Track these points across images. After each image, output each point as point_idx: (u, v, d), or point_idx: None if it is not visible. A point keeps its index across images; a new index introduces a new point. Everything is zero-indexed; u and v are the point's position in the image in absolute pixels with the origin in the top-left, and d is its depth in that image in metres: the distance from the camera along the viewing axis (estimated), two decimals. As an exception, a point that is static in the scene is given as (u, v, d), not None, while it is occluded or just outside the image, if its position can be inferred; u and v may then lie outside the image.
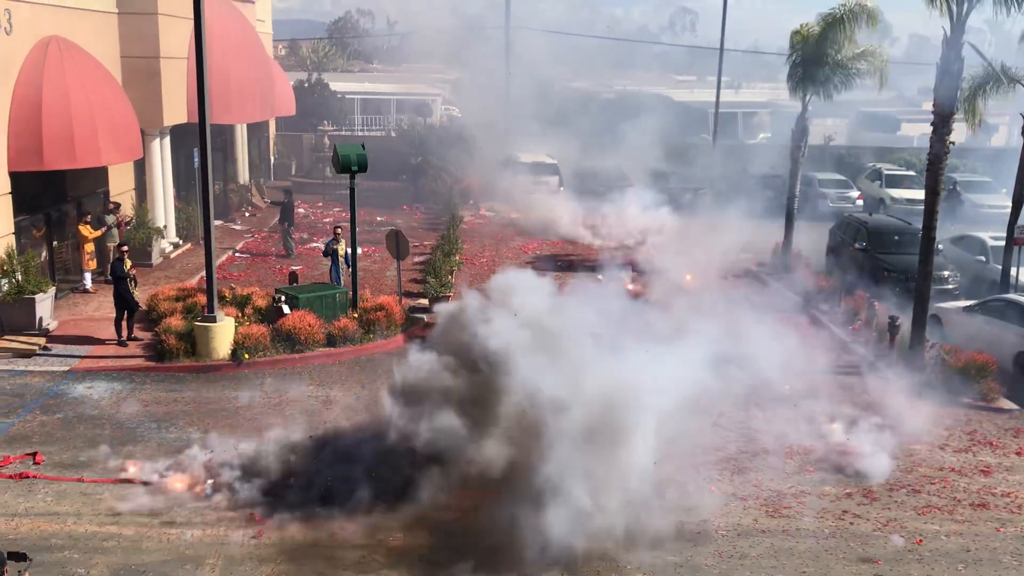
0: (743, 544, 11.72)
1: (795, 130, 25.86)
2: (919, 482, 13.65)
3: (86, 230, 21.47)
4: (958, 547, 11.86)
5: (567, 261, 27.44)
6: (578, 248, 29.30)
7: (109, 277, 19.41)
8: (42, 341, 18.25)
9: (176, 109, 25.13)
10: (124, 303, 18.37)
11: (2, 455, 13.55)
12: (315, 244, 27.78)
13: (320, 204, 35.75)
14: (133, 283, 18.51)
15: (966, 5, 17.57)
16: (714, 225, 27.69)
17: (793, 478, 13.57)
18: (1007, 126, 46.47)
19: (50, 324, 18.96)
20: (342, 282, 21.44)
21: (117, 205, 23.51)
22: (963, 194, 35.06)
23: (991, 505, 13.04)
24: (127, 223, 23.81)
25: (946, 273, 23.48)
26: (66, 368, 17.23)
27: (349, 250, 20.90)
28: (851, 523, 12.38)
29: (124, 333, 18.55)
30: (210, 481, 12.71)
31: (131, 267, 18.66)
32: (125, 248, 19.16)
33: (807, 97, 25.09)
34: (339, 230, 22.21)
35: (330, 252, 21.73)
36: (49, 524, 11.74)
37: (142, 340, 18.69)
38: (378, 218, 32.76)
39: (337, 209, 33.97)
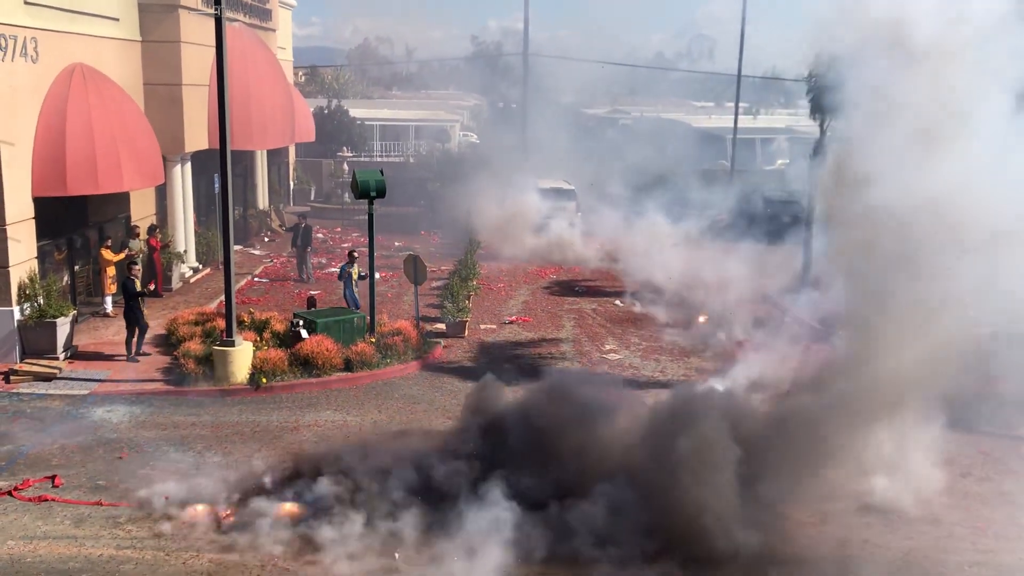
0: None
1: (813, 155, 25.78)
2: (941, 511, 13.47)
3: (108, 254, 21.67)
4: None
5: (585, 287, 27.45)
6: (595, 274, 29.31)
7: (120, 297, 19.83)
8: (63, 364, 18.40)
9: (197, 135, 25.41)
10: (135, 321, 18.78)
11: (22, 478, 13.62)
12: (332, 269, 27.92)
13: (339, 229, 35.97)
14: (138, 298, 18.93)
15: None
16: (731, 251, 27.62)
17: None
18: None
19: (71, 348, 19.11)
20: (358, 303, 21.64)
21: (154, 227, 23.82)
22: None
23: (1015, 536, 12.85)
24: (164, 245, 24.12)
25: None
26: (86, 392, 17.34)
27: (362, 271, 21.16)
28: (872, 552, 12.23)
29: (133, 350, 18.94)
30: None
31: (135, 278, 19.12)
32: (136, 268, 19.54)
33: (826, 122, 25.04)
34: (355, 253, 22.39)
35: (344, 276, 21.87)
36: (67, 547, 11.76)
37: (149, 355, 19.07)
38: (396, 243, 32.92)
39: (356, 234, 34.16)
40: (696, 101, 78.07)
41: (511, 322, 23.31)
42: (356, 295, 21.92)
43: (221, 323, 19.01)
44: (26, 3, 18.50)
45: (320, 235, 33.21)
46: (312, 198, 42.36)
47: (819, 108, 24.79)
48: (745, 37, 42.52)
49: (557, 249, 31.36)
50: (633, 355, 20.80)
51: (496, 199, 32.69)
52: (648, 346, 21.49)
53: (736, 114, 44.42)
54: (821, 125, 25.15)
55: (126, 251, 22.27)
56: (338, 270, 23.65)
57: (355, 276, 21.83)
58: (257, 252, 31.36)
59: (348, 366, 18.63)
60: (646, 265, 27.73)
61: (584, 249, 31.32)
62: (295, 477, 13.38)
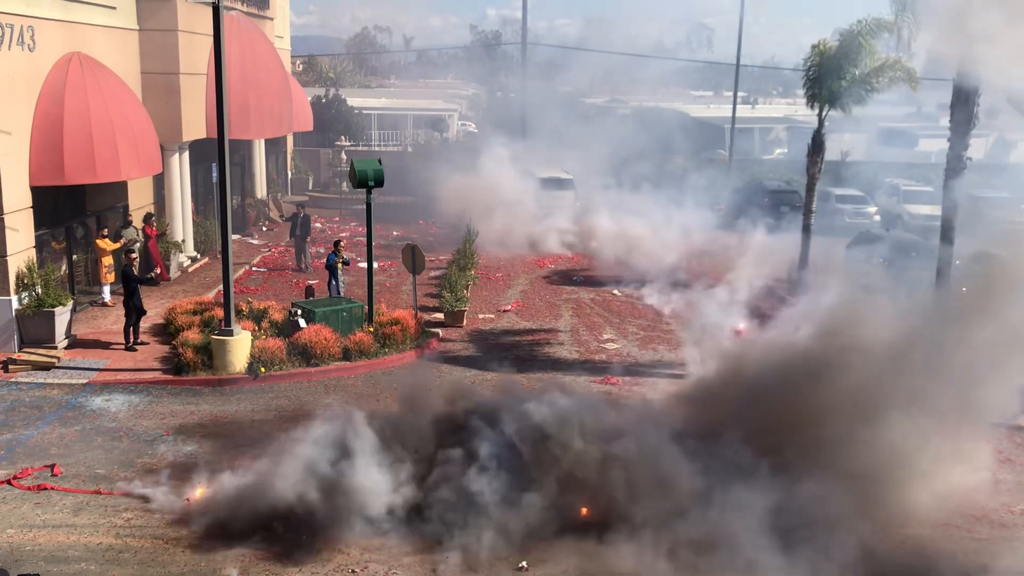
0: None
1: (811, 145, 25.78)
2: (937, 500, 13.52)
3: (104, 243, 21.66)
4: (977, 567, 11.73)
5: (583, 276, 27.45)
6: (593, 262, 29.32)
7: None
8: (61, 354, 18.42)
9: (195, 124, 25.36)
10: (132, 308, 18.89)
11: (21, 466, 13.65)
12: (331, 258, 27.92)
13: (337, 219, 35.94)
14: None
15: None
16: (729, 240, 27.64)
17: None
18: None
19: (69, 337, 19.12)
20: (342, 292, 21.85)
21: (149, 215, 23.80)
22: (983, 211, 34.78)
23: (1010, 524, 12.91)
24: (161, 233, 24.12)
25: (963, 290, 23.30)
26: (84, 381, 17.36)
27: (345, 259, 21.74)
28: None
29: (131, 338, 19.02)
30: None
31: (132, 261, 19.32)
32: (134, 255, 19.58)
33: (824, 112, 25.04)
34: (342, 244, 22.49)
35: (331, 266, 21.89)
36: (66, 536, 11.81)
37: (147, 344, 19.15)
38: (394, 232, 32.89)
39: (354, 223, 34.13)
40: (694, 90, 78.01)
41: (507, 310, 23.33)
42: (342, 283, 22.03)
43: (219, 312, 19.02)
44: (23, -9, 18.45)
45: (318, 225, 33.18)
46: (310, 187, 42.31)
47: (817, 97, 24.82)
48: (744, 26, 42.46)
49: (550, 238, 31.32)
50: (631, 344, 20.83)
51: (490, 189, 32.67)
52: (646, 335, 21.52)
53: (735, 103, 44.38)
54: (819, 114, 25.17)
55: (122, 240, 22.26)
56: (325, 260, 23.54)
57: (339, 264, 21.94)
58: (255, 241, 31.34)
59: (347, 355, 18.66)
60: (643, 255, 27.80)
61: (578, 238, 31.37)
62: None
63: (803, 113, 31.49)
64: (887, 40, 23.94)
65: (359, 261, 25.13)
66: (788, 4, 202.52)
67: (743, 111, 49.91)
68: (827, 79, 24.29)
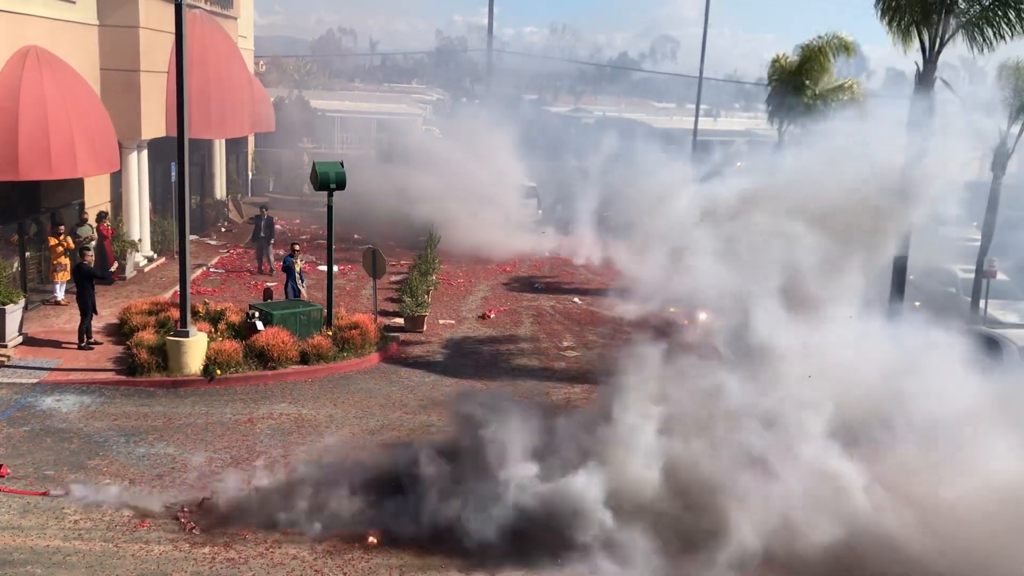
0: None
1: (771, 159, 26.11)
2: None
3: (53, 241, 21.24)
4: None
5: (544, 283, 27.52)
6: (555, 271, 29.41)
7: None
8: (12, 352, 18.05)
9: (155, 122, 25.04)
10: (85, 306, 18.53)
11: (-34, 467, 13.37)
12: (291, 261, 27.67)
13: (297, 221, 35.67)
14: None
15: (938, 42, 17.97)
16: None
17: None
18: (978, 160, 47.20)
19: (21, 335, 18.76)
20: (302, 295, 21.65)
21: (103, 214, 23.41)
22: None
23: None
24: (114, 232, 23.74)
25: (916, 304, 23.78)
26: (35, 380, 17.03)
27: (304, 265, 21.32)
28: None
29: (85, 338, 18.68)
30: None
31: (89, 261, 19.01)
32: (89, 253, 19.39)
33: (784, 127, 25.43)
34: (296, 246, 22.33)
35: (288, 267, 21.74)
36: (12, 538, 11.56)
37: (101, 344, 18.83)
38: (355, 236, 32.70)
39: (314, 226, 33.90)
40: (657, 102, 78.67)
41: (468, 316, 23.31)
42: (300, 287, 21.85)
43: (175, 313, 18.78)
44: (-21, -18, 18.14)
45: (279, 226, 32.90)
46: (271, 189, 42.00)
47: (778, 112, 25.23)
48: (707, 39, 43.00)
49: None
50: (591, 353, 20.88)
51: (453, 194, 32.67)
52: (608, 344, 21.61)
53: (697, 116, 44.87)
54: (779, 129, 25.56)
55: (76, 239, 21.84)
56: (282, 262, 23.30)
57: (297, 269, 21.78)
58: (213, 242, 31.01)
59: (304, 359, 18.51)
60: (608, 265, 27.94)
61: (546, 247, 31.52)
62: None
63: (764, 127, 31.90)
64: (845, 61, 24.43)
65: (319, 264, 24.99)
66: (752, 20, 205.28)
67: (705, 123, 50.46)
68: (787, 95, 24.71)
